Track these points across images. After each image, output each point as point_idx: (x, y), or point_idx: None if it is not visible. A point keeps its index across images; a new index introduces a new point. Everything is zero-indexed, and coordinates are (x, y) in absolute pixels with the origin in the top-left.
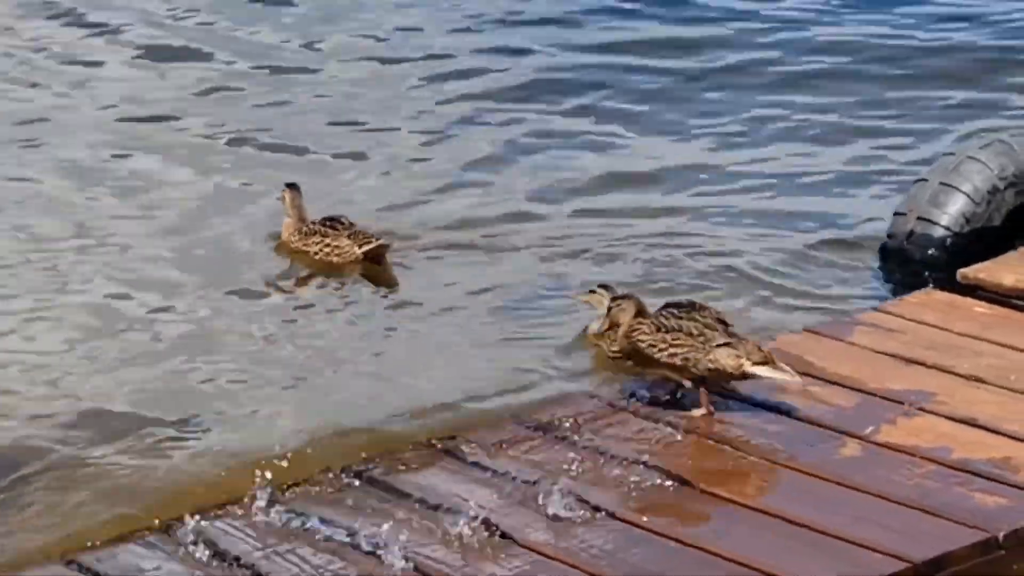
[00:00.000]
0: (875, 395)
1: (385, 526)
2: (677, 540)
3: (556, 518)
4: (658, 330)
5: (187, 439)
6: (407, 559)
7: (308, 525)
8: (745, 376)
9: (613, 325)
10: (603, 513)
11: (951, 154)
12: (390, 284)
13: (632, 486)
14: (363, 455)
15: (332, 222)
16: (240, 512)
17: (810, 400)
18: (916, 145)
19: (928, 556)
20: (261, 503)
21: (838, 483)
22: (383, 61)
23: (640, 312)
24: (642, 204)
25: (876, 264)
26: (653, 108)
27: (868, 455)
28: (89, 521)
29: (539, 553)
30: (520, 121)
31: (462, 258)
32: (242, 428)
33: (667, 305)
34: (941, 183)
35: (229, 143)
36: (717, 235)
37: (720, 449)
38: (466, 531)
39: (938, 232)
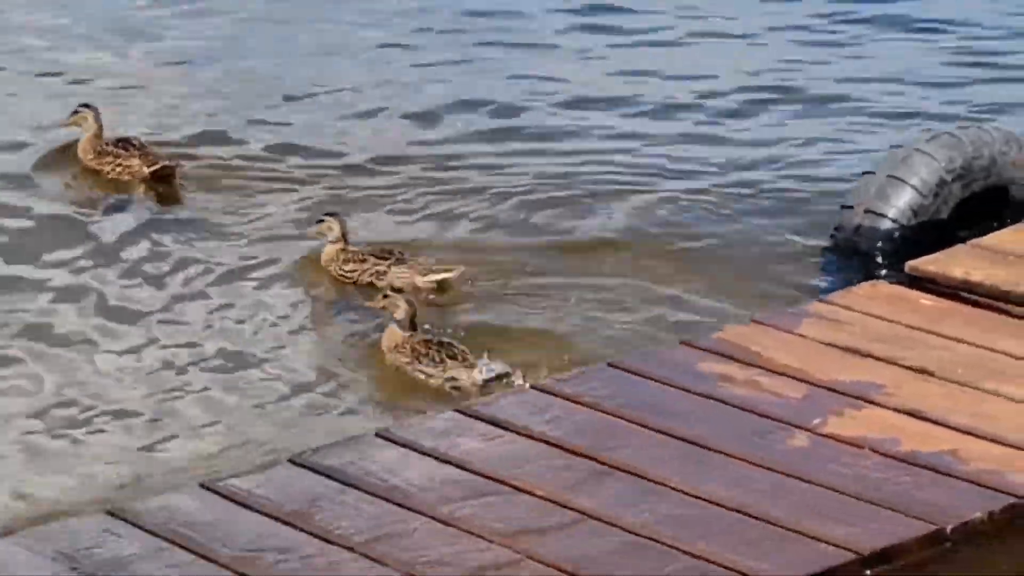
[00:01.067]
0: (822, 387)
1: None
2: (624, 530)
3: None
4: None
5: None
6: None
7: None
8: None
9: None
10: (548, 503)
11: (898, 147)
12: (176, 201)
13: (571, 474)
14: None
15: (124, 143)
16: None
17: (757, 391)
18: (864, 138)
19: (876, 548)
20: None
21: (785, 474)
22: None
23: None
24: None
25: (824, 257)
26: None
27: (815, 446)
28: None
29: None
30: None
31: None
32: None
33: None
34: (888, 176)
35: None
36: (664, 224)
37: (664, 439)
38: None
39: (885, 225)
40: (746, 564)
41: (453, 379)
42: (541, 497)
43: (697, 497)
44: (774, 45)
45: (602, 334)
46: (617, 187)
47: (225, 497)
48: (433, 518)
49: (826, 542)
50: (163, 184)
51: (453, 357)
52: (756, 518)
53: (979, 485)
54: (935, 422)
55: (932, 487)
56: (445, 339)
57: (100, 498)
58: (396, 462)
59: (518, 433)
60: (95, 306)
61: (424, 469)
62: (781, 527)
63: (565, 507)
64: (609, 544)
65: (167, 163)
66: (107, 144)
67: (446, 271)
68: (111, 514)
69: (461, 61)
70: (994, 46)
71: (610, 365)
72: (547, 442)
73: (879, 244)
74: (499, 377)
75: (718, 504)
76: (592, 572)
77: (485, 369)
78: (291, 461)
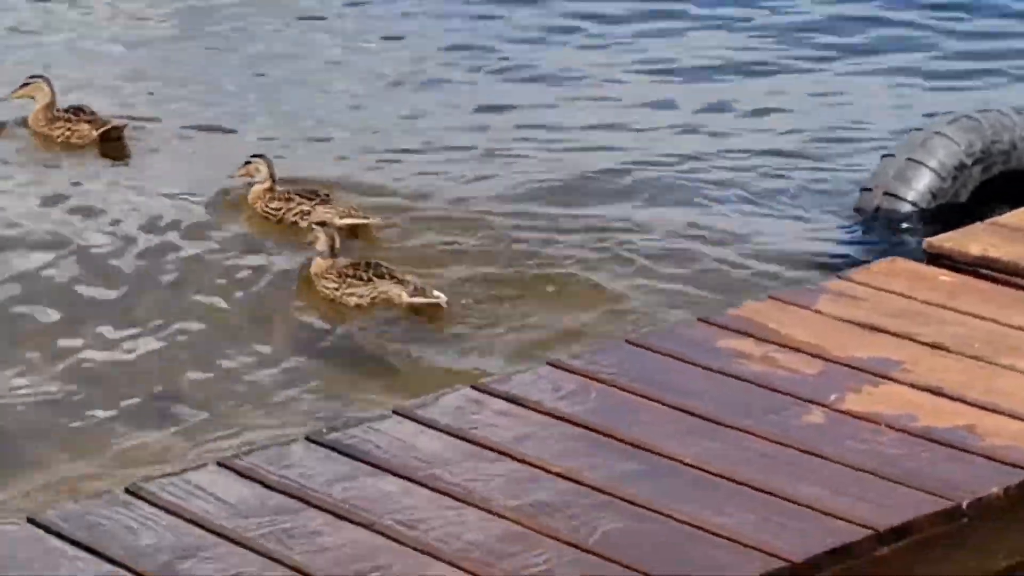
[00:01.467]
0: (839, 363)
1: None
2: (637, 506)
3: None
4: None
5: None
6: None
7: None
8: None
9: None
10: (562, 478)
11: (918, 130)
12: (123, 158)
13: (584, 449)
14: None
15: (76, 110)
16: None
17: (773, 367)
18: (884, 120)
19: (892, 524)
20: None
21: (801, 450)
22: None
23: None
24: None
25: (842, 238)
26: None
27: (831, 423)
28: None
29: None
30: None
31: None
32: None
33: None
34: (908, 159)
35: None
36: (681, 203)
37: (679, 415)
38: None
39: (904, 208)
40: (761, 540)
41: (383, 293)
42: (555, 473)
43: (712, 473)
44: (793, 27)
45: (618, 310)
46: (632, 166)
47: (240, 474)
48: (447, 494)
49: (841, 518)
50: (111, 144)
51: (381, 276)
52: (771, 494)
53: (995, 460)
54: (951, 398)
55: (948, 463)
56: (372, 260)
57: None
58: (411, 438)
59: (532, 409)
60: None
61: (440, 445)
62: (796, 503)
63: (579, 483)
64: (622, 520)
65: (115, 124)
66: (59, 111)
67: (362, 217)
68: (129, 492)
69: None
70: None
71: (627, 341)
72: (561, 418)
73: (898, 226)
74: (425, 297)
75: (733, 480)
76: (605, 548)
77: (413, 287)
78: (308, 439)
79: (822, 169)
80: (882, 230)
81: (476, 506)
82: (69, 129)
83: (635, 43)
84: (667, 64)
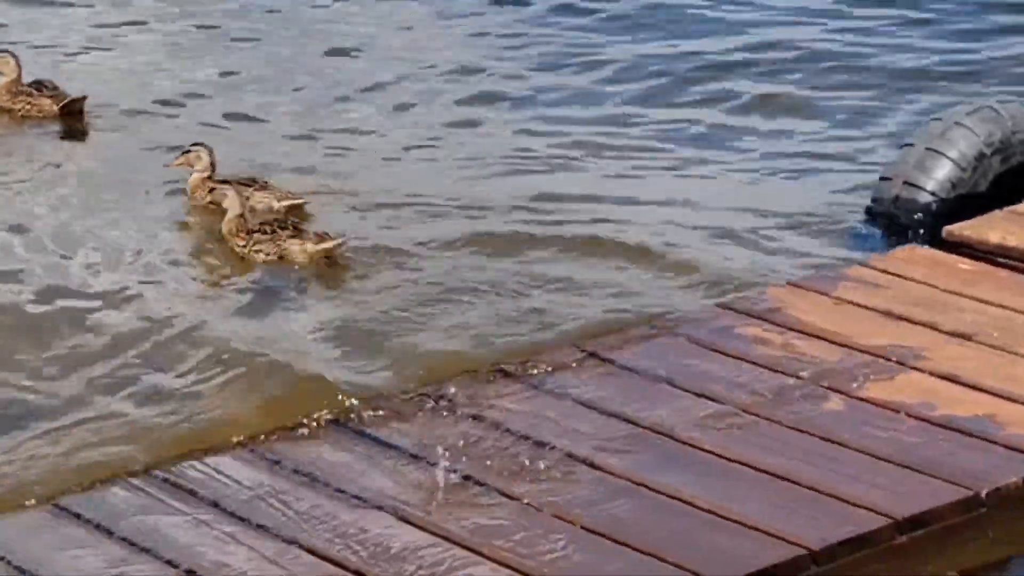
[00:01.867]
0: (859, 350)
1: None
2: (656, 492)
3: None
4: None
5: None
6: None
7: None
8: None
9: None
10: (583, 464)
11: (938, 119)
12: (83, 135)
13: (607, 436)
14: None
15: (38, 85)
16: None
17: (793, 354)
18: (902, 109)
19: (911, 512)
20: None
21: (820, 437)
22: None
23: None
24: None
25: (860, 227)
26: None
27: (851, 410)
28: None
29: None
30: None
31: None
32: None
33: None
34: (927, 148)
35: None
36: (701, 191)
37: (700, 401)
38: None
39: (924, 197)
40: (779, 527)
41: (286, 250)
42: (576, 458)
43: (730, 460)
44: (813, 13)
45: (638, 297)
46: (652, 153)
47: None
48: (468, 477)
49: (860, 506)
50: (72, 119)
51: (284, 228)
52: (790, 481)
53: (1014, 449)
54: (971, 386)
55: (967, 451)
56: (281, 219)
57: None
58: (431, 423)
59: (551, 394)
60: None
61: (463, 428)
62: (815, 490)
63: (597, 468)
64: (642, 506)
65: (74, 97)
66: (22, 86)
67: (298, 199)
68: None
69: None
70: None
71: (649, 327)
72: (583, 403)
73: (917, 215)
74: (327, 244)
75: (752, 467)
76: (624, 534)
77: (314, 235)
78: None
79: (839, 158)
80: (901, 220)
81: (498, 491)
82: (30, 103)
83: (653, 38)
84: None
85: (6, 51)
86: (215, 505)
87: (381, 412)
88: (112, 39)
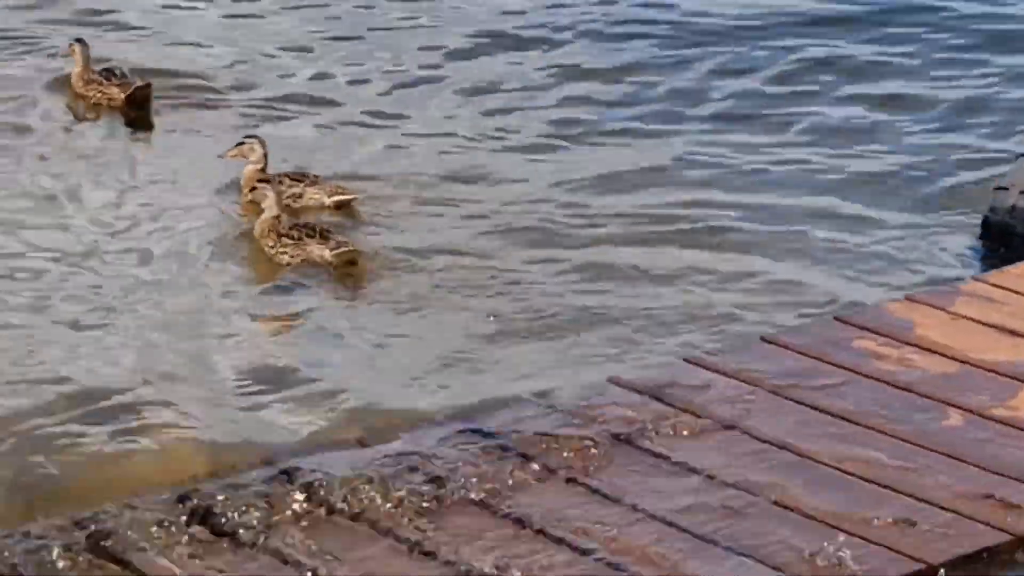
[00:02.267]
0: (976, 365)
1: None
2: (773, 503)
3: None
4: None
5: None
6: None
7: None
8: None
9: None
10: (695, 473)
11: None
12: (146, 127)
13: (727, 449)
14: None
15: (108, 73)
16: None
17: (909, 368)
18: (1018, 120)
19: None
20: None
21: (938, 452)
22: None
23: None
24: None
25: (977, 238)
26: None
27: (969, 425)
28: None
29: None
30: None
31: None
32: None
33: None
34: None
35: None
36: (817, 204)
37: (816, 414)
38: None
39: None
40: (898, 542)
41: (308, 256)
42: (693, 469)
43: (848, 473)
44: (933, 25)
45: (755, 309)
46: (764, 166)
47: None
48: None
49: (981, 522)
50: (138, 106)
51: (312, 236)
52: (909, 495)
53: None
54: None
55: None
56: (311, 221)
57: None
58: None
59: (666, 403)
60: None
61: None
62: (934, 505)
63: (713, 478)
64: (758, 518)
65: (139, 84)
66: (94, 74)
67: (350, 195)
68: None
69: None
70: None
71: (763, 339)
72: (695, 413)
73: None
74: (345, 250)
75: (869, 480)
76: (738, 545)
77: (335, 243)
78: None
79: (954, 169)
80: (1018, 230)
81: (620, 502)
82: (100, 91)
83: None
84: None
85: (76, 40)
86: None
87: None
88: (182, 24)
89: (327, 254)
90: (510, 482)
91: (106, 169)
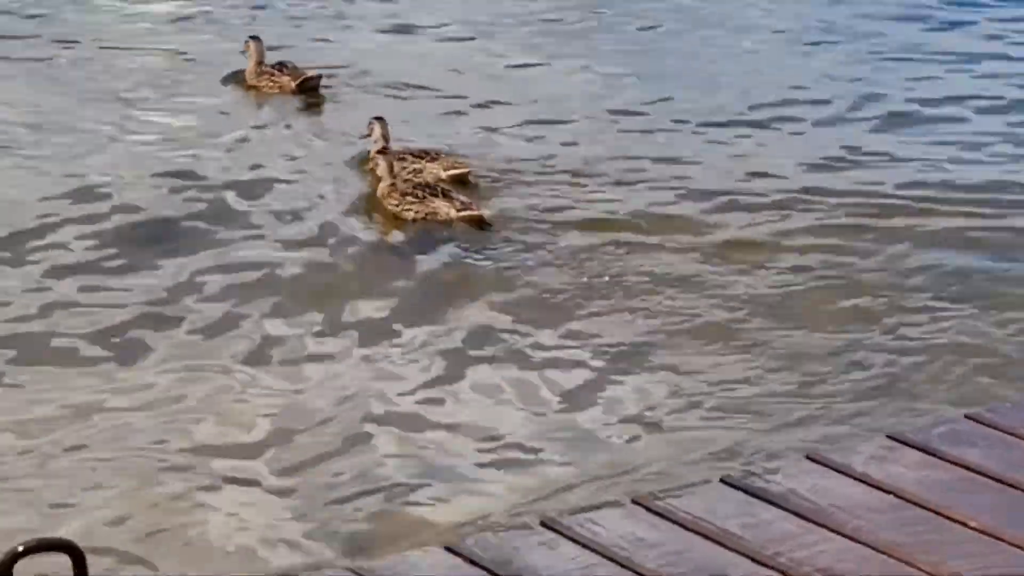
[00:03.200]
0: None
1: None
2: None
3: None
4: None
5: None
6: None
7: None
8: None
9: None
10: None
11: None
12: (322, 111)
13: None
14: None
15: (280, 65)
16: None
17: None
18: None
19: None
20: None
21: None
22: None
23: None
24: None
25: None
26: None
27: None
28: None
29: None
30: None
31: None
32: None
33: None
34: None
35: None
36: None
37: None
38: None
39: None
40: None
41: (434, 212)
42: (973, 529)
43: None
44: None
45: (953, 384)
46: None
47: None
48: (863, 543)
49: None
50: (309, 94)
51: (435, 195)
52: None
53: None
54: None
55: None
56: (430, 182)
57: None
58: (824, 484)
59: (947, 460)
60: None
61: (854, 492)
62: None
63: (998, 539)
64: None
65: (310, 75)
66: (266, 67)
67: (464, 167)
68: (544, 524)
69: None
70: None
71: (967, 417)
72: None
73: None
74: (470, 211)
75: None
76: None
77: (459, 203)
78: (723, 481)
79: None
80: None
81: (893, 556)
82: (272, 81)
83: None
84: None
85: (252, 37)
86: None
87: None
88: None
89: (453, 212)
90: None
91: (271, 144)
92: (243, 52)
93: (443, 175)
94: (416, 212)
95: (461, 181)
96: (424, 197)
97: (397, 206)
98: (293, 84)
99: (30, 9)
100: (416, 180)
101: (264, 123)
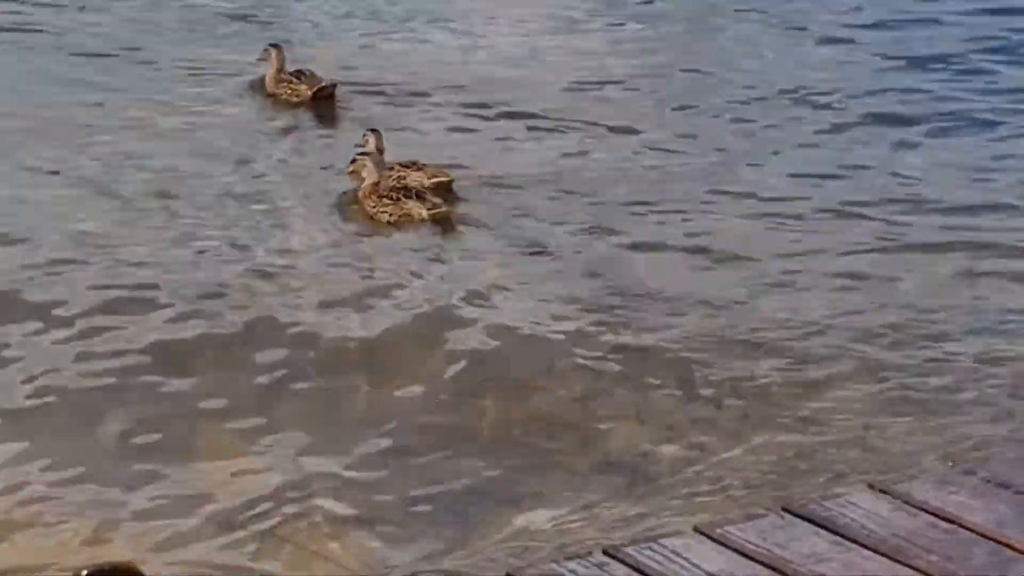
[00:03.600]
0: None
1: None
2: None
3: None
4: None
5: None
6: None
7: None
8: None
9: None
10: None
11: None
12: (332, 120)
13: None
14: None
15: (298, 73)
16: None
17: None
18: None
19: None
20: None
21: None
22: None
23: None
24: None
25: None
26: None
27: None
28: None
29: None
30: None
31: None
32: None
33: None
34: None
35: None
36: None
37: None
38: None
39: None
40: None
41: (407, 213)
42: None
43: None
44: None
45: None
46: None
47: (717, 542)
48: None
49: None
50: (325, 102)
51: (409, 197)
52: None
53: None
54: None
55: None
56: (408, 185)
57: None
58: (887, 514)
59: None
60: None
61: (916, 524)
62: None
63: None
64: None
65: (324, 84)
66: (284, 75)
67: (445, 176)
68: (607, 554)
69: None
70: None
71: None
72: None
73: None
74: (439, 211)
75: None
76: None
77: (431, 204)
78: (784, 509)
79: None
80: None
81: None
82: (290, 89)
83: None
84: None
85: (272, 45)
86: None
87: None
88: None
89: (424, 213)
90: None
91: (279, 147)
92: (261, 59)
93: (426, 183)
94: (391, 215)
95: (445, 190)
96: (398, 199)
97: (374, 207)
98: (309, 92)
99: None
100: (398, 184)
101: (266, 131)
